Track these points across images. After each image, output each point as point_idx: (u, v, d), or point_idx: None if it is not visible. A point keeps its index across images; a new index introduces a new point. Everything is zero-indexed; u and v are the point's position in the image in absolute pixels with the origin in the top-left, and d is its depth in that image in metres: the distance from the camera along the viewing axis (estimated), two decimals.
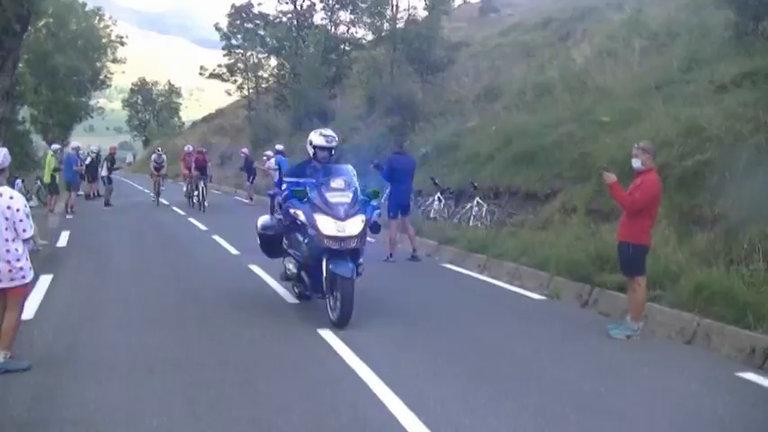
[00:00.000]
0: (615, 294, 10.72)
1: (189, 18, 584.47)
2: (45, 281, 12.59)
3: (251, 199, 32.60)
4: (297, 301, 11.23)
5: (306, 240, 9.88)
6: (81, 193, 31.21)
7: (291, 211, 10.07)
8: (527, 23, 38.04)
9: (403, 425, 6.17)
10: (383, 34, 36.90)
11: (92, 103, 72.78)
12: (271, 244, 11.26)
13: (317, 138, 10.71)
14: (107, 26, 72.59)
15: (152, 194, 32.77)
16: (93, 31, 68.67)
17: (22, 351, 7.93)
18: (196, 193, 29.10)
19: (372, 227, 10.24)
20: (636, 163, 9.34)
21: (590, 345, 9.18)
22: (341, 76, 45.81)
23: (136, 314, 10.52)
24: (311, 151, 10.71)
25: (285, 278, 11.01)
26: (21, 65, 42.96)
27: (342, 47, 48.14)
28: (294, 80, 45.36)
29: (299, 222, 9.93)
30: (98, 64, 70.31)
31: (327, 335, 9.10)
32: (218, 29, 61.11)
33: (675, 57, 17.86)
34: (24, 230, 7.59)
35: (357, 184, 10.31)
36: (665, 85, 16.57)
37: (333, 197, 9.86)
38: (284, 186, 10.63)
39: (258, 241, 11.45)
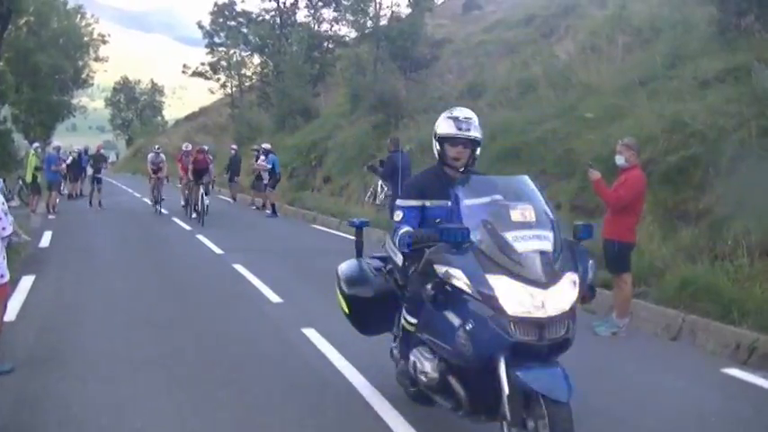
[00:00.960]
0: (600, 291, 10.69)
1: (172, 16, 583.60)
2: (27, 282, 12.47)
3: (234, 199, 32.41)
4: (281, 300, 11.17)
5: (469, 324, 5.10)
6: (64, 192, 31.03)
7: (441, 269, 5.16)
8: (510, 20, 38.00)
9: (388, 424, 6.14)
10: (366, 32, 36.85)
11: (74, 101, 72.33)
12: (369, 312, 6.70)
13: (444, 124, 5.99)
14: (89, 24, 72.30)
15: (150, 201, 28.01)
16: (74, 29, 68.34)
17: (3, 354, 7.84)
18: (195, 201, 23.69)
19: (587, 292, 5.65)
20: (620, 160, 9.34)
21: (576, 342, 9.15)
22: (324, 73, 45.75)
23: (120, 314, 10.43)
24: (437, 149, 6.08)
25: (410, 383, 6.00)
26: (1, 63, 42.76)
27: (325, 44, 48.15)
28: (277, 78, 45.28)
29: (450, 288, 5.18)
30: (80, 62, 70.01)
31: (311, 333, 9.04)
32: (200, 27, 60.84)
33: (659, 53, 17.88)
34: (4, 228, 7.51)
35: (552, 213, 5.45)
36: (648, 81, 16.58)
37: (519, 240, 5.11)
38: (399, 216, 5.95)
39: (344, 306, 6.80)
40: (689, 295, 9.40)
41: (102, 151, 32.82)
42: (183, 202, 26.67)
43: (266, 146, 27.20)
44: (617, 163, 9.41)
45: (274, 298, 11.39)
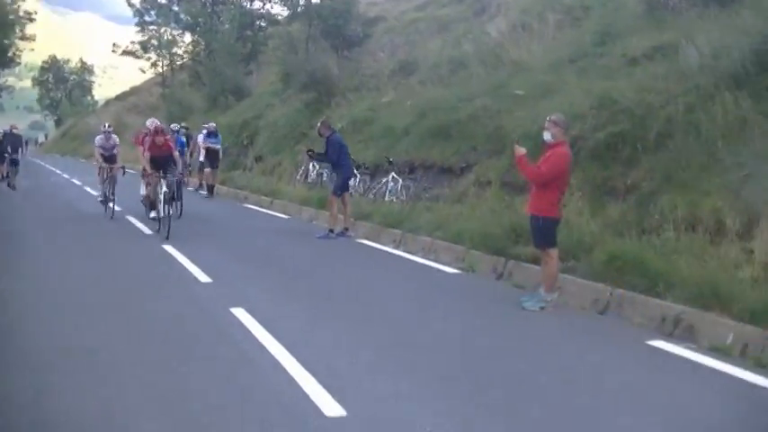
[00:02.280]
0: (530, 267, 10.78)
1: None
2: None
3: None
4: (210, 280, 11.03)
5: None
6: None
7: None
8: None
9: (316, 403, 6.06)
10: (299, 10, 36.72)
11: (0, 81, 70.76)
12: None
13: None
14: (15, 2, 70.51)
15: (99, 197, 20.61)
16: None
17: None
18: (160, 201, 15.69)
19: None
20: (547, 136, 9.40)
21: (505, 317, 9.22)
22: (256, 52, 45.46)
23: (47, 300, 10.14)
24: None
25: None
26: None
27: (257, 23, 47.79)
28: (209, 57, 44.94)
29: None
30: (6, 41, 68.28)
31: (240, 313, 8.91)
32: (131, 5, 60.00)
33: (589, 31, 18.07)
34: None
35: None
36: (578, 59, 16.76)
37: None
38: None
39: None
40: (616, 269, 9.49)
41: (15, 131, 31.03)
42: (150, 213, 17.71)
43: (212, 125, 26.40)
44: (544, 139, 9.46)
45: (203, 278, 11.21)
